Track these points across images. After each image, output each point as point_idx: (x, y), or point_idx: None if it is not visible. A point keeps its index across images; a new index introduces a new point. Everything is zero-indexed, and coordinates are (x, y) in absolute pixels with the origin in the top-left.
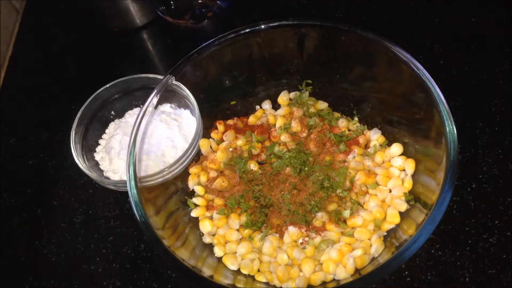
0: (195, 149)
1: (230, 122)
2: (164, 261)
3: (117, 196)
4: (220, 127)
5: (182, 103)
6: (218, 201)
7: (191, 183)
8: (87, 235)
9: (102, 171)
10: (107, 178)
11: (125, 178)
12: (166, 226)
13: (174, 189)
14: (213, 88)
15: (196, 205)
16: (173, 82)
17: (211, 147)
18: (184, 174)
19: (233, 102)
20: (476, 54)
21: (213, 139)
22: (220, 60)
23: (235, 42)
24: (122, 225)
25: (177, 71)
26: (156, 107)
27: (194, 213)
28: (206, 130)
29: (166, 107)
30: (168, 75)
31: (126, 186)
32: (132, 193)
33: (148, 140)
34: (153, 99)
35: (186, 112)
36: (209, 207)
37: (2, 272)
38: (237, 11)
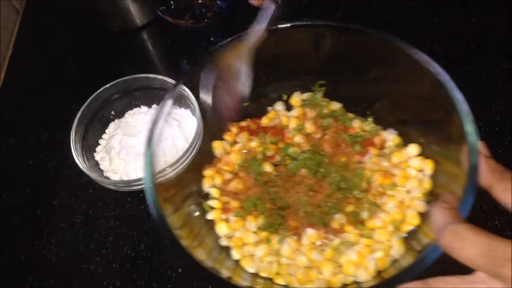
0: (196, 149)
1: (243, 123)
2: (183, 260)
3: (117, 196)
4: (234, 129)
5: (182, 102)
6: (234, 204)
7: (206, 186)
8: (87, 235)
9: (102, 171)
10: (107, 178)
11: (125, 178)
12: (183, 228)
13: (189, 192)
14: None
15: (211, 208)
16: (172, 82)
17: (224, 149)
18: (198, 177)
19: (245, 104)
20: (476, 54)
21: (226, 141)
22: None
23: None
24: (122, 225)
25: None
26: (150, 107)
27: (210, 216)
28: (219, 132)
29: None
30: (180, 82)
31: (126, 186)
32: (150, 192)
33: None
34: (167, 103)
35: (187, 112)
36: (225, 209)
37: (2, 272)
38: (237, 11)
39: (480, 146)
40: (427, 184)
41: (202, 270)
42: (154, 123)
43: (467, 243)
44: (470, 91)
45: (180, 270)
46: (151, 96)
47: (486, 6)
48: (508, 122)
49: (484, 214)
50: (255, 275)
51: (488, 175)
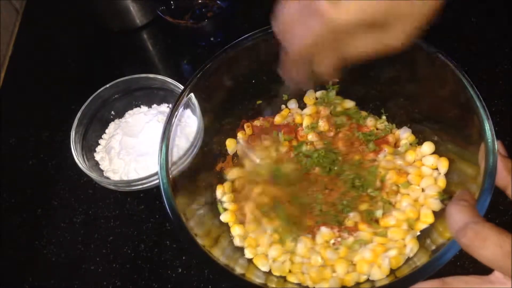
0: (196, 148)
1: (256, 122)
2: (197, 255)
3: (117, 196)
4: (248, 130)
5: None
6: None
7: (219, 193)
8: (87, 235)
9: (102, 171)
10: (107, 178)
11: (125, 178)
12: (197, 225)
13: (202, 191)
14: (237, 88)
15: (225, 209)
16: (172, 82)
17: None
18: (212, 175)
19: (258, 102)
20: (476, 54)
21: (240, 138)
22: (245, 60)
23: (261, 42)
24: (122, 225)
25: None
26: (150, 107)
27: (223, 218)
28: (232, 130)
29: (163, 107)
30: (188, 89)
31: (126, 186)
32: (165, 188)
33: (149, 141)
34: (179, 105)
35: (187, 111)
36: (239, 211)
37: (2, 272)
38: (237, 11)
39: (498, 145)
40: (441, 183)
41: (215, 266)
42: (169, 120)
43: (489, 243)
44: None
45: (180, 270)
46: (151, 96)
47: (486, 6)
48: (508, 122)
49: (485, 214)
50: (268, 273)
51: (505, 176)
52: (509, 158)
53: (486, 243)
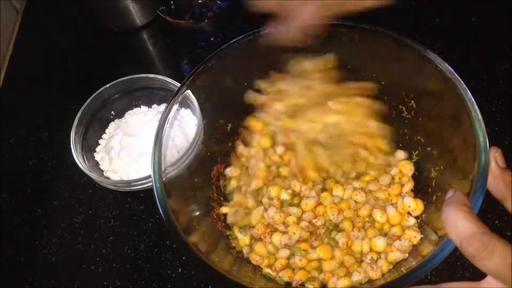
0: (196, 148)
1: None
2: (190, 258)
3: (117, 196)
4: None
5: (182, 102)
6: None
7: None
8: (87, 235)
9: (102, 171)
10: (107, 178)
11: (125, 178)
12: (193, 230)
13: (200, 194)
14: (236, 88)
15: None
16: (172, 82)
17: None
18: (207, 179)
19: None
20: (476, 54)
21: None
22: (243, 59)
23: (259, 41)
24: (122, 225)
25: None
26: (150, 107)
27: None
28: (231, 130)
29: (163, 107)
30: (186, 85)
31: (126, 186)
32: (158, 190)
33: (149, 141)
34: (172, 107)
35: (187, 112)
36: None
37: (2, 272)
38: (237, 11)
39: (497, 157)
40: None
41: (209, 270)
42: (163, 121)
43: (495, 255)
44: (470, 91)
45: (180, 270)
46: (151, 96)
47: (486, 6)
48: (508, 122)
49: (484, 214)
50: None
51: (503, 188)
52: (508, 170)
53: (492, 255)
